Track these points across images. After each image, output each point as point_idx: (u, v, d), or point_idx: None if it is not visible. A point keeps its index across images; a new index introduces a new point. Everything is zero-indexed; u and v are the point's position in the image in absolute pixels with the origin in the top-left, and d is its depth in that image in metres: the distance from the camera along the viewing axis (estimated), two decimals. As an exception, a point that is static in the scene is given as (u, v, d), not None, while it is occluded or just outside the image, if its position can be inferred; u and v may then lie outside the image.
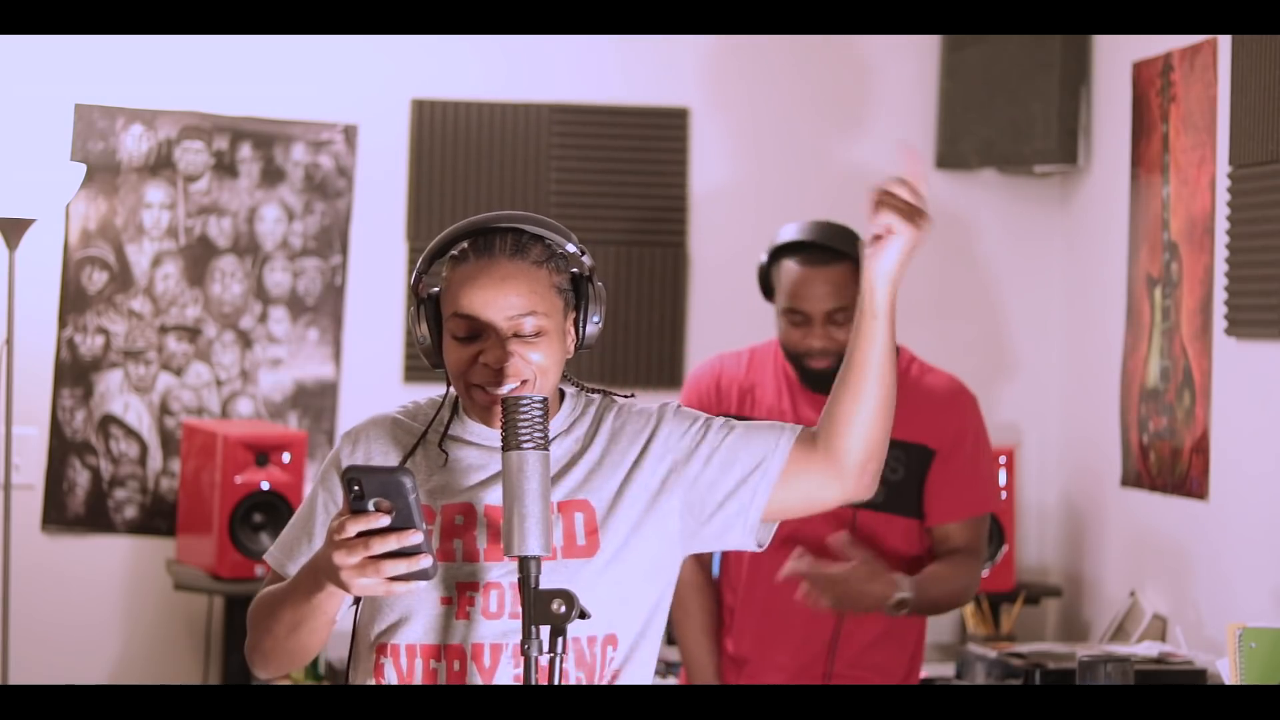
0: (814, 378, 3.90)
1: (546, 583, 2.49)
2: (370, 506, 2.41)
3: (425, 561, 2.43)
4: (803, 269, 3.86)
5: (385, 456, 2.69)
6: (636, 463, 2.67)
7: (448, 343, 2.65)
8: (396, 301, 5.25)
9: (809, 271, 3.85)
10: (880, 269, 2.67)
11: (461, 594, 2.61)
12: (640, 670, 2.67)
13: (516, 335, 2.61)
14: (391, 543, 2.41)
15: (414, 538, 2.41)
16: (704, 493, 2.67)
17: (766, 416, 3.94)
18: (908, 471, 3.90)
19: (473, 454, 2.67)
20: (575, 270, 2.68)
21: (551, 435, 2.65)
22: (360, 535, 2.42)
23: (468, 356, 2.62)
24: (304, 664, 2.65)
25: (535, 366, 2.60)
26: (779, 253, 3.91)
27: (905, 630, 4.01)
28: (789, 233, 3.91)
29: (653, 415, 2.71)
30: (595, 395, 2.75)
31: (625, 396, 2.76)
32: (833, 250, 3.85)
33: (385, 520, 2.41)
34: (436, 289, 2.68)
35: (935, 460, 3.92)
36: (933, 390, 3.95)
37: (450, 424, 2.70)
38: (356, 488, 2.41)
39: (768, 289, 3.95)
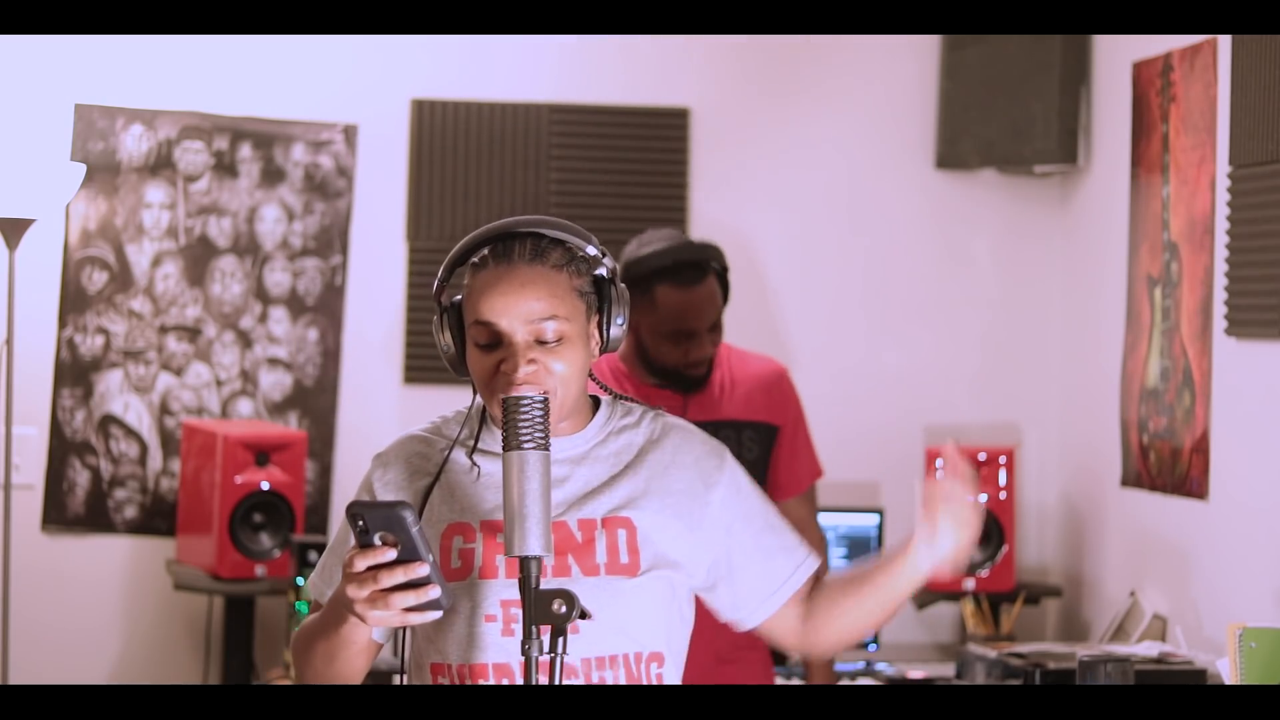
0: (692, 383, 4.07)
1: (591, 598, 2.50)
2: (376, 540, 2.44)
3: (434, 592, 2.45)
4: (683, 291, 3.98)
5: (414, 476, 2.69)
6: (688, 499, 2.68)
7: (471, 351, 2.63)
8: (396, 301, 5.25)
9: (689, 293, 3.99)
10: (932, 556, 2.65)
11: (506, 611, 2.61)
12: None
13: (539, 341, 2.59)
14: (399, 575, 2.44)
15: (420, 570, 2.44)
16: (727, 574, 2.71)
17: None
18: (760, 450, 4.10)
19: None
20: (598, 273, 2.68)
21: (586, 444, 2.67)
22: (370, 569, 2.44)
23: (491, 365, 2.61)
24: None
25: (558, 377, 2.59)
26: (650, 277, 3.98)
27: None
28: (657, 258, 3.98)
29: (715, 460, 2.72)
30: (632, 405, 2.74)
31: (655, 409, 2.76)
32: (702, 267, 4.00)
33: (392, 554, 2.44)
34: (458, 297, 2.67)
35: (780, 437, 4.14)
36: (762, 373, 4.18)
37: (480, 435, 2.69)
38: (360, 523, 2.44)
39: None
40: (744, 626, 2.76)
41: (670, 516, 2.66)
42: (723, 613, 2.75)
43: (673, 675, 2.69)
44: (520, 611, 2.55)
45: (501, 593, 2.60)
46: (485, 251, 2.63)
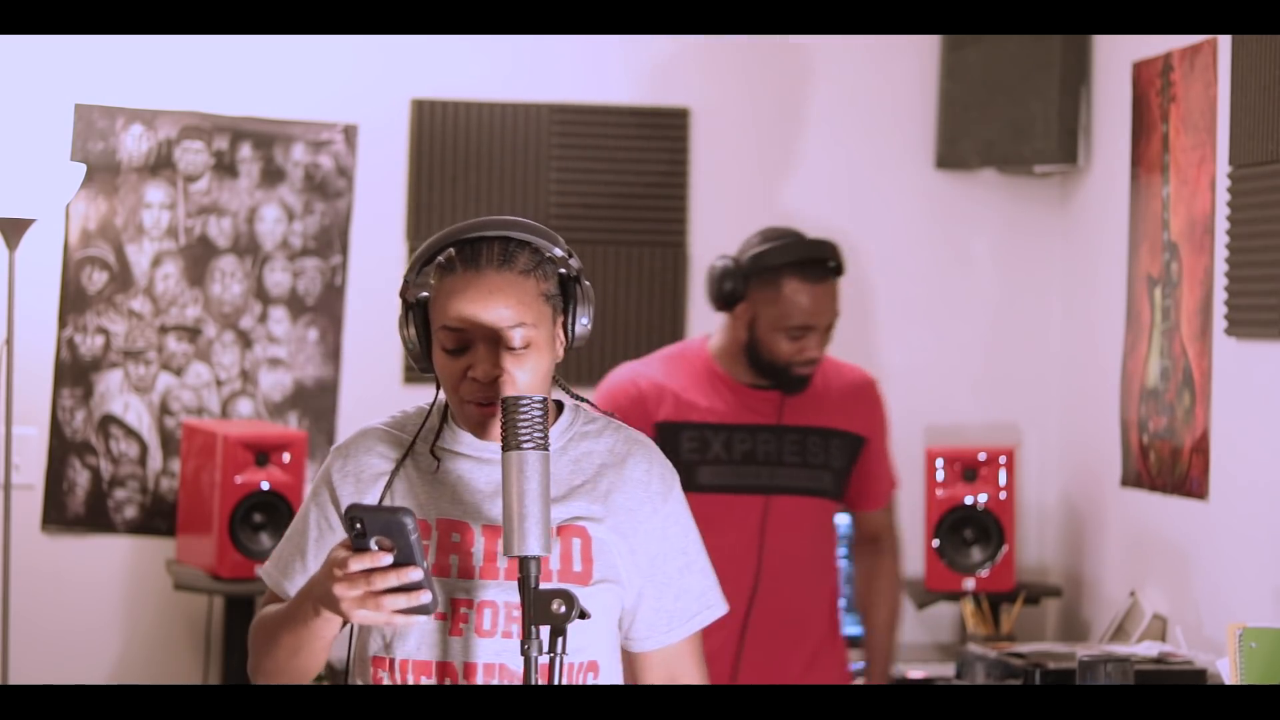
0: (797, 382, 4.03)
1: None
2: (372, 545, 2.45)
3: (425, 597, 2.46)
4: (813, 286, 4.00)
5: (375, 469, 2.69)
6: (635, 520, 2.69)
7: (437, 354, 2.66)
8: (396, 301, 5.24)
9: (816, 289, 4.00)
10: None
11: (456, 610, 2.61)
12: None
13: (505, 348, 2.61)
14: (392, 579, 2.45)
15: (414, 574, 2.45)
16: (638, 597, 2.72)
17: (705, 419, 4.04)
18: (845, 460, 4.14)
19: (465, 465, 2.67)
20: (563, 271, 2.68)
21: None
22: (363, 573, 2.45)
23: (458, 370, 2.62)
24: (305, 681, 2.67)
25: (522, 385, 2.61)
26: (779, 270, 3.97)
27: (819, 603, 4.15)
28: (788, 250, 3.99)
29: (664, 486, 2.73)
30: (595, 414, 2.75)
31: (606, 414, 2.77)
32: (829, 265, 4.03)
33: (388, 559, 2.45)
34: (425, 294, 2.68)
35: (865, 449, 4.17)
36: (855, 382, 4.21)
37: (441, 432, 2.70)
38: (359, 526, 2.44)
39: (734, 296, 4.01)
40: (633, 649, 2.77)
41: (619, 534, 2.68)
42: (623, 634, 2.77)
43: (607, 683, 2.69)
44: (471, 613, 2.57)
45: (453, 592, 2.61)
46: (452, 253, 2.64)
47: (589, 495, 2.67)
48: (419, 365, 2.70)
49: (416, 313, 2.68)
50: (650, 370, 4.12)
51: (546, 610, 2.44)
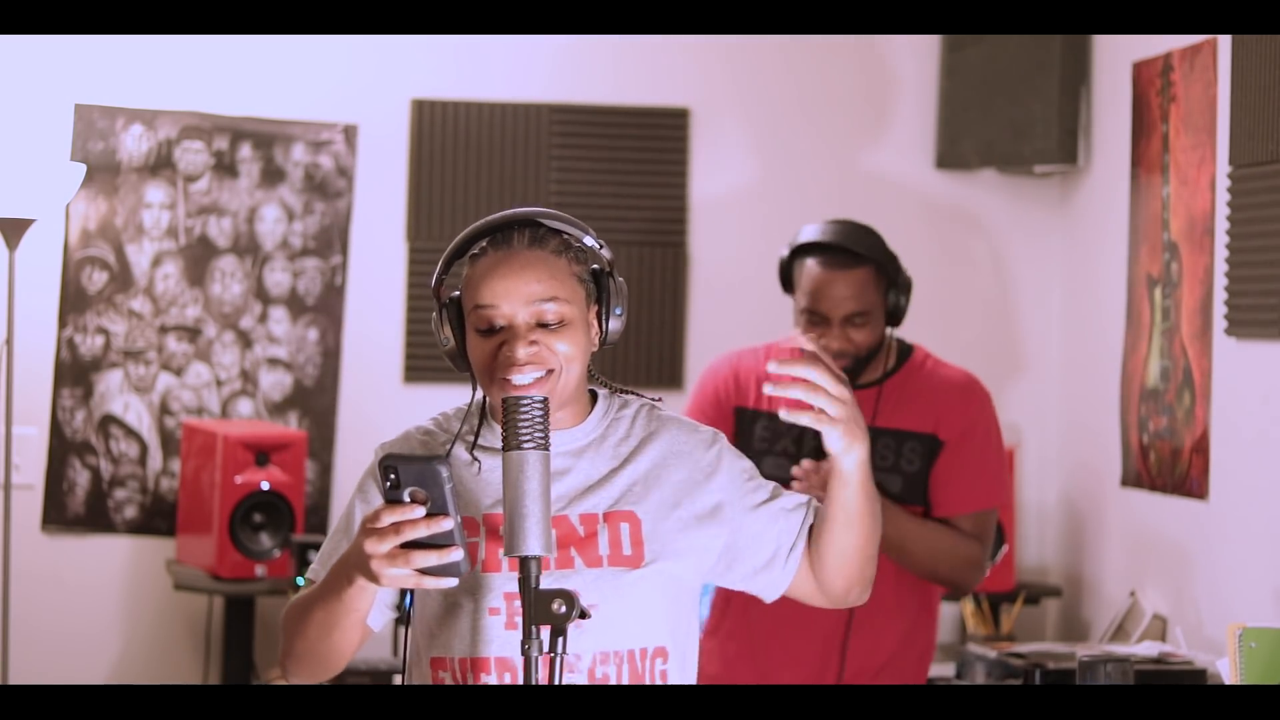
0: None
1: (594, 590, 2.51)
2: (405, 496, 2.41)
3: (456, 554, 2.42)
4: (824, 271, 3.84)
5: None
6: (689, 488, 2.67)
7: (471, 338, 2.63)
8: (396, 301, 5.25)
9: (829, 274, 3.84)
10: (837, 450, 2.58)
11: (509, 604, 2.60)
12: (686, 680, 2.68)
13: (540, 324, 2.59)
14: (422, 529, 2.40)
15: (445, 524, 2.40)
16: (743, 548, 2.69)
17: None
18: (922, 463, 3.91)
19: None
20: (595, 266, 2.67)
21: (585, 438, 2.66)
22: (393, 525, 2.41)
23: (492, 349, 2.60)
24: (337, 669, 2.62)
25: (561, 356, 2.58)
26: (800, 251, 3.88)
27: (916, 634, 4.01)
28: (811, 232, 3.88)
29: (710, 446, 2.69)
30: (629, 397, 2.73)
31: (654, 400, 2.76)
32: (854, 254, 3.84)
33: (420, 511, 2.40)
34: (457, 292, 2.66)
35: (943, 451, 3.92)
36: (946, 383, 3.97)
37: (480, 431, 2.69)
38: (393, 476, 2.40)
39: (788, 283, 3.94)
40: (770, 597, 2.73)
41: (671, 507, 2.65)
42: (747, 589, 2.72)
43: (678, 670, 2.66)
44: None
45: (505, 586, 2.60)
46: (483, 243, 2.63)
47: (631, 476, 2.65)
48: (456, 365, 2.66)
49: (450, 311, 2.65)
50: (750, 356, 4.03)
51: (547, 610, 2.43)
